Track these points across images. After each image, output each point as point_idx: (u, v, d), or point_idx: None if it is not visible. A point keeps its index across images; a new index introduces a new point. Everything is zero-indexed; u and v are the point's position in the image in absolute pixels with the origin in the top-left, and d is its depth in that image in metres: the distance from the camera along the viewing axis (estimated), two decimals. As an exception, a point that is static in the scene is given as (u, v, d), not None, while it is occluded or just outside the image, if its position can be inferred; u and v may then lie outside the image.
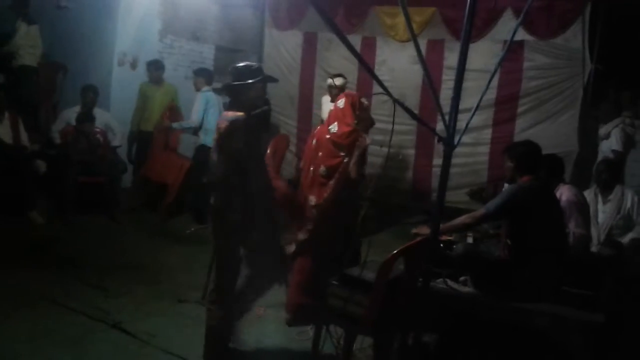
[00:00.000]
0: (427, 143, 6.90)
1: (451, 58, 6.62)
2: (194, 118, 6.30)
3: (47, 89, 6.92)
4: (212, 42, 7.97)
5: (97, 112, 6.34)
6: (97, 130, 6.24)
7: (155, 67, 6.70)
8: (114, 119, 6.57)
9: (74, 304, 3.85)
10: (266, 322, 3.98)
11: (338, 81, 6.01)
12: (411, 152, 7.15)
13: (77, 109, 6.22)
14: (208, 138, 6.26)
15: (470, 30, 2.40)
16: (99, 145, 6.17)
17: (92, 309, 3.81)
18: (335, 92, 5.89)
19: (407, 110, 2.62)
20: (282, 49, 8.05)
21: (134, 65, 6.97)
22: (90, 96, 6.28)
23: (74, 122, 6.09)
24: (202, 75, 6.48)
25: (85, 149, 6.01)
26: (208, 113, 6.26)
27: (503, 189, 4.29)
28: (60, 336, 3.44)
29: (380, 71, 7.08)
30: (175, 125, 6.48)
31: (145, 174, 6.52)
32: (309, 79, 7.80)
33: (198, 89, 6.42)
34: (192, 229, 5.95)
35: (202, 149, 6.28)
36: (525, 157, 3.50)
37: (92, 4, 6.70)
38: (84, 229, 5.62)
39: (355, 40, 7.21)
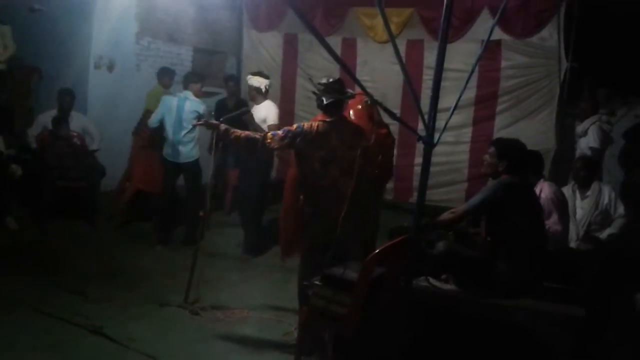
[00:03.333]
0: (408, 142, 6.91)
1: (431, 58, 6.65)
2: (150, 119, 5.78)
3: (22, 93, 6.80)
4: (189, 43, 7.90)
5: (74, 115, 6.25)
6: (75, 134, 6.16)
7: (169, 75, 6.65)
8: (92, 123, 6.48)
9: (53, 310, 3.79)
10: (251, 323, 3.96)
11: (253, 81, 5.43)
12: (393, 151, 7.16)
13: (53, 113, 6.12)
14: (165, 149, 5.69)
15: (447, 30, 2.42)
16: (76, 149, 6.08)
17: (71, 315, 3.74)
18: (252, 94, 5.48)
19: (387, 110, 2.64)
20: (262, 50, 8.01)
21: (110, 68, 6.88)
22: (67, 100, 6.17)
23: (50, 127, 6.00)
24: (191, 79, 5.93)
25: (62, 154, 5.92)
26: (165, 120, 5.60)
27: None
28: (39, 343, 3.38)
29: (362, 72, 7.08)
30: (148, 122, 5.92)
31: (137, 186, 6.14)
32: (290, 80, 7.77)
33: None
34: (158, 247, 5.59)
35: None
36: (518, 160, 3.54)
37: (67, 6, 6.58)
38: (62, 235, 5.53)
39: (336, 41, 7.20)
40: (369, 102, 4.02)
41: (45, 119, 6.11)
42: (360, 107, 4.06)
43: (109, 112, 6.72)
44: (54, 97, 6.23)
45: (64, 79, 6.53)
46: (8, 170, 5.56)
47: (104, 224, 5.98)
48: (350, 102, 3.97)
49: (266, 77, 5.54)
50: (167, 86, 6.70)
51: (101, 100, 6.77)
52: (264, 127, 5.14)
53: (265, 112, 5.38)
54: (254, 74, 5.54)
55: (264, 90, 5.45)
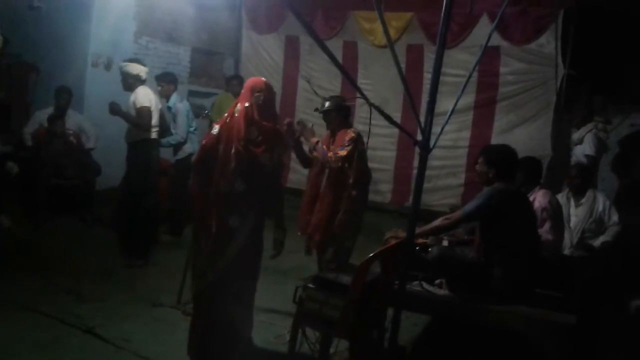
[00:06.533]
0: (407, 145, 6.94)
1: (431, 63, 6.62)
2: (181, 133, 5.82)
3: (19, 90, 6.79)
4: (188, 43, 7.90)
5: (70, 114, 6.25)
6: (70, 132, 6.15)
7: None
8: (88, 121, 6.47)
9: (45, 309, 3.78)
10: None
11: (132, 68, 5.04)
12: (392, 154, 7.19)
13: (49, 110, 6.12)
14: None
15: (445, 35, 2.42)
16: (72, 147, 6.07)
17: (64, 314, 3.73)
18: (130, 82, 5.05)
19: (383, 113, 2.64)
20: (263, 52, 8.02)
21: (108, 67, 6.87)
22: (64, 98, 6.17)
23: (46, 124, 5.99)
24: (167, 81, 5.88)
25: (58, 152, 5.91)
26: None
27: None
28: (32, 342, 3.37)
29: (364, 75, 7.09)
30: (163, 141, 5.60)
31: None
32: (292, 82, 7.78)
33: (167, 96, 5.83)
34: (166, 236, 5.79)
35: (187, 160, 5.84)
36: (506, 166, 3.54)
37: (66, 5, 6.59)
38: (56, 233, 5.51)
39: (337, 44, 7.22)
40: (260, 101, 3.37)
41: (42, 116, 6.11)
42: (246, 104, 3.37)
43: (105, 110, 6.66)
44: (51, 95, 6.23)
45: (61, 77, 6.52)
46: (4, 167, 5.56)
47: (98, 223, 5.96)
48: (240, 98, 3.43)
49: (143, 64, 5.20)
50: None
51: (98, 98, 6.70)
52: (132, 111, 4.95)
53: (134, 96, 5.03)
54: (131, 61, 5.21)
55: (144, 77, 5.12)
